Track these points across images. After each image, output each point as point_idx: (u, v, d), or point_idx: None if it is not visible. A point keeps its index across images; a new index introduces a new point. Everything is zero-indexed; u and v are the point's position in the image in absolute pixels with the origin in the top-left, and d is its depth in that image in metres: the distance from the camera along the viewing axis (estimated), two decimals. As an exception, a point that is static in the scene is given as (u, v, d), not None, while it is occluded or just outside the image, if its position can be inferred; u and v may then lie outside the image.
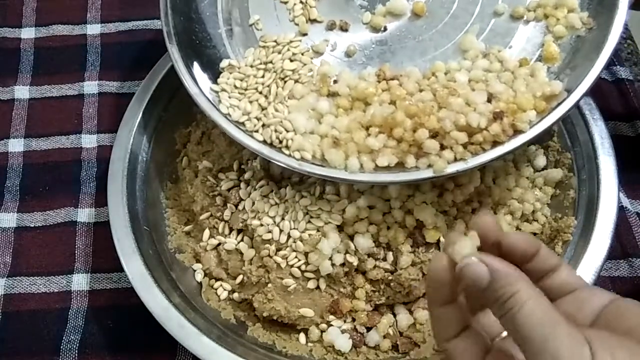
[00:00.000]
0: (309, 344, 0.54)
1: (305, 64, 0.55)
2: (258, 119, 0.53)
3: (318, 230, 0.53)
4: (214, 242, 0.57)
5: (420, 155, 0.49)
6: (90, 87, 0.71)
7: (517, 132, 0.49)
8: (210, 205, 0.58)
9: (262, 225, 0.54)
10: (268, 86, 0.54)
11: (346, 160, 0.50)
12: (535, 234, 0.57)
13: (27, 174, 0.66)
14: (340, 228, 0.54)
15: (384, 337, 0.54)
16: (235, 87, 0.55)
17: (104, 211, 0.63)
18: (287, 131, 0.52)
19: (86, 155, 0.66)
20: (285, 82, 0.54)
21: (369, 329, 0.55)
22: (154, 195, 0.60)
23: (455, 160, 0.49)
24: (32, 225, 0.63)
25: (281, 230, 0.54)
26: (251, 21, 0.58)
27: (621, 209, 0.60)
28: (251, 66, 0.56)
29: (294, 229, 0.54)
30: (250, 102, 0.54)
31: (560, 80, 0.50)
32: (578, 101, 0.49)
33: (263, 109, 0.54)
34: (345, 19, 0.57)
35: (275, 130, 0.52)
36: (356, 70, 0.55)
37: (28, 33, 0.75)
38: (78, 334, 0.57)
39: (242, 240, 0.56)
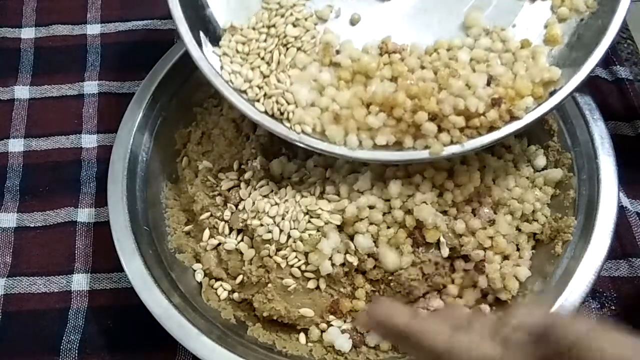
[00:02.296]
0: (309, 344, 0.54)
1: (308, 30, 0.55)
2: (260, 88, 0.53)
3: (318, 230, 0.53)
4: (214, 242, 0.57)
5: (418, 136, 0.51)
6: (90, 87, 0.71)
7: (513, 118, 0.50)
8: (210, 205, 0.58)
9: (262, 225, 0.54)
10: (270, 52, 0.54)
11: (346, 137, 0.51)
12: (535, 234, 0.57)
13: (27, 174, 0.66)
14: (340, 228, 0.54)
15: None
16: (237, 51, 0.55)
17: (104, 211, 0.63)
18: (289, 103, 0.52)
19: (86, 155, 0.66)
20: (287, 48, 0.54)
21: (369, 329, 0.55)
22: (154, 195, 0.60)
23: (452, 143, 0.51)
24: (32, 225, 0.63)
25: (281, 230, 0.54)
26: None
27: (621, 209, 0.60)
28: (253, 29, 0.55)
29: (294, 229, 0.54)
30: (252, 68, 0.54)
31: (559, 66, 0.51)
32: (574, 90, 0.50)
33: (265, 76, 0.54)
34: None
35: (277, 102, 0.53)
36: (359, 40, 0.54)
37: (28, 33, 0.75)
38: (78, 334, 0.57)
39: (242, 240, 0.56)
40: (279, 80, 0.53)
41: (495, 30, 0.54)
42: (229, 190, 0.58)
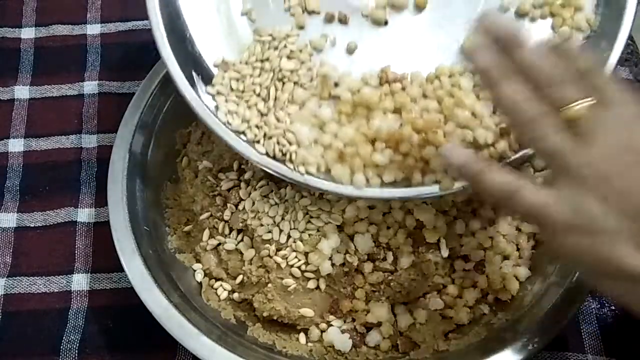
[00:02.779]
0: (309, 344, 0.54)
1: (303, 62, 0.53)
2: (259, 128, 0.51)
3: (318, 230, 0.53)
4: (214, 242, 0.57)
5: (426, 171, 0.49)
6: (90, 87, 0.71)
7: (522, 146, 0.49)
8: (210, 205, 0.58)
9: (262, 225, 0.54)
10: (267, 88, 0.52)
11: (352, 176, 0.50)
12: (535, 234, 0.57)
13: (27, 174, 0.66)
14: (340, 228, 0.54)
15: (384, 337, 0.54)
16: (232, 89, 0.52)
17: (104, 211, 0.63)
18: (291, 144, 0.51)
19: (86, 155, 0.66)
20: (284, 83, 0.52)
21: (369, 329, 0.55)
22: (154, 195, 0.60)
23: None
24: (32, 225, 0.63)
25: (281, 230, 0.54)
26: (244, 10, 0.55)
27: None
28: (246, 63, 0.53)
29: (294, 229, 0.54)
30: (249, 107, 0.52)
31: None
32: None
33: (263, 114, 0.52)
34: (343, 10, 0.54)
35: (278, 142, 0.51)
36: (357, 69, 0.53)
37: (28, 33, 0.75)
38: (78, 334, 0.57)
39: (242, 240, 0.56)
40: (278, 119, 0.51)
41: None
42: (228, 190, 0.58)
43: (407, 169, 0.49)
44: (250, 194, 0.56)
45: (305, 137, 0.51)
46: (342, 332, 0.54)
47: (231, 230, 0.57)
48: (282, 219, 0.54)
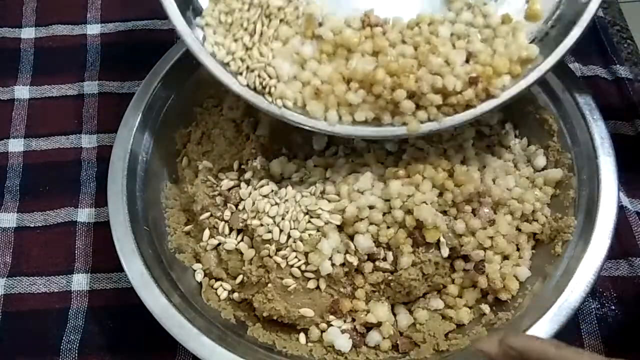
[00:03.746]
0: (309, 344, 0.54)
1: (291, 1, 0.54)
2: (242, 60, 0.53)
3: (318, 230, 0.53)
4: (214, 242, 0.57)
5: (396, 113, 0.52)
6: (90, 87, 0.71)
7: (489, 96, 0.52)
8: (210, 205, 0.58)
9: (262, 225, 0.54)
10: (254, 23, 0.54)
11: (326, 112, 0.52)
12: (535, 234, 0.57)
13: (27, 174, 0.66)
14: (340, 228, 0.54)
15: (384, 337, 0.54)
16: (220, 21, 0.54)
17: (104, 211, 0.63)
18: (271, 77, 0.53)
19: (86, 155, 0.66)
20: (270, 20, 0.54)
21: (369, 329, 0.55)
22: (154, 195, 0.60)
23: (429, 120, 0.52)
24: (32, 225, 0.63)
25: (281, 230, 0.54)
26: None
27: (621, 209, 0.60)
28: None
29: (294, 229, 0.54)
30: (235, 40, 0.54)
31: (537, 43, 0.53)
32: (551, 69, 0.52)
33: (248, 48, 0.53)
34: None
35: (259, 76, 0.53)
36: (342, 11, 0.55)
37: (28, 33, 0.75)
38: (78, 334, 0.57)
39: (242, 240, 0.56)
40: (261, 54, 0.53)
41: (477, 4, 0.54)
42: (229, 190, 0.58)
43: (377, 110, 0.52)
44: (250, 194, 0.56)
45: (285, 72, 0.53)
46: (342, 332, 0.54)
47: (231, 230, 0.57)
48: (282, 219, 0.54)
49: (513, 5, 0.54)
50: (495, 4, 0.54)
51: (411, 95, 0.51)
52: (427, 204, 0.53)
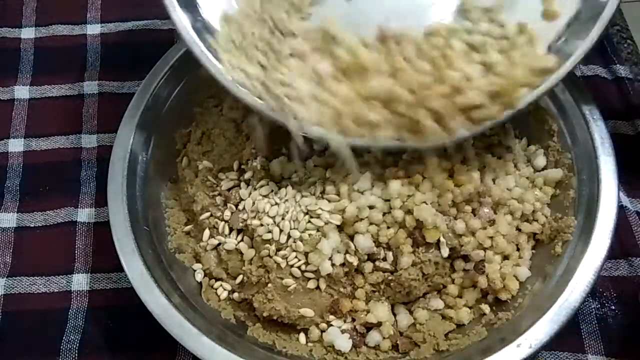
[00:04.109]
0: (309, 344, 0.54)
1: (304, 19, 0.54)
2: (260, 82, 0.53)
3: (318, 230, 0.53)
4: (214, 242, 0.57)
5: (417, 130, 0.51)
6: (90, 87, 0.71)
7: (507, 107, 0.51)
8: (210, 205, 0.58)
9: (262, 225, 0.54)
10: (267, 41, 0.53)
11: (347, 130, 0.51)
12: (535, 234, 0.57)
13: (27, 174, 0.66)
14: (340, 228, 0.54)
15: (384, 337, 0.54)
16: (234, 44, 0.54)
17: (104, 211, 0.63)
18: (290, 99, 0.52)
19: (86, 155, 0.66)
20: (284, 35, 0.53)
21: (369, 329, 0.55)
22: (154, 195, 0.60)
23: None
24: (32, 225, 0.63)
25: (281, 230, 0.54)
26: None
27: (621, 208, 0.60)
28: (247, 15, 0.54)
29: (294, 229, 0.54)
30: (251, 60, 0.53)
31: (553, 48, 0.52)
32: (567, 72, 0.52)
33: (263, 66, 0.53)
34: None
35: (278, 98, 0.52)
36: (355, 18, 0.54)
37: (28, 33, 0.75)
38: (78, 334, 0.57)
39: (242, 240, 0.56)
40: (277, 72, 0.53)
41: (494, 12, 0.54)
42: (229, 190, 0.58)
43: (399, 129, 0.51)
44: (250, 194, 0.56)
45: (305, 93, 0.52)
46: (342, 332, 0.54)
47: (231, 230, 0.57)
48: (282, 219, 0.54)
49: (527, 7, 0.54)
50: (512, 7, 0.54)
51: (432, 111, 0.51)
52: (427, 204, 0.53)
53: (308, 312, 0.54)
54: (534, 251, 0.57)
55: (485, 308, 0.55)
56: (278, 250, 0.54)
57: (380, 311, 0.54)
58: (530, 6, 0.54)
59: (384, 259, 0.54)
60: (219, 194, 0.58)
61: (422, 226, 0.53)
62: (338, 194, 0.55)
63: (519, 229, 0.56)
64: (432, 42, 0.53)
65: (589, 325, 0.57)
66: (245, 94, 0.53)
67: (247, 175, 0.57)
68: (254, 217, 0.55)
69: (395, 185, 0.53)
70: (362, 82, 0.52)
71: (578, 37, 0.52)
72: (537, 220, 0.57)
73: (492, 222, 0.55)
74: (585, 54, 0.51)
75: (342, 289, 0.54)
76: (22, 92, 0.71)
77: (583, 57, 0.51)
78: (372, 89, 0.51)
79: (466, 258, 0.55)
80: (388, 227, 0.54)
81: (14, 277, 0.60)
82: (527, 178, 0.58)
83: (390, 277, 0.54)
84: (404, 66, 0.52)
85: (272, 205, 0.55)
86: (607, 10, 0.51)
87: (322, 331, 0.54)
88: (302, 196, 0.55)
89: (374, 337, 0.54)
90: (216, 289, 0.57)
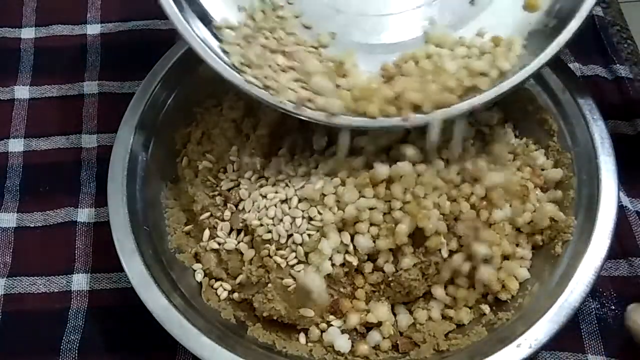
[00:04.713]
0: (309, 344, 0.54)
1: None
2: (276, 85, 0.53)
3: (318, 231, 0.53)
4: (214, 242, 0.57)
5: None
6: (90, 87, 0.71)
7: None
8: (210, 205, 0.58)
9: (262, 225, 0.54)
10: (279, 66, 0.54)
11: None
12: (535, 233, 0.57)
13: (27, 174, 0.66)
14: (340, 228, 0.54)
15: (384, 337, 0.54)
16: (250, 63, 0.54)
17: (104, 211, 0.63)
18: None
19: (86, 155, 0.66)
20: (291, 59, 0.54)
21: (369, 329, 0.55)
22: (154, 195, 0.60)
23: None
24: (32, 225, 0.63)
25: (281, 230, 0.54)
26: None
27: (621, 208, 0.60)
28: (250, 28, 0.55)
29: (294, 229, 0.54)
30: (262, 67, 0.53)
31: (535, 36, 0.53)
32: (548, 62, 0.52)
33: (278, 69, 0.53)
34: None
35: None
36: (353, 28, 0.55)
37: (28, 33, 0.75)
38: (78, 334, 0.57)
39: (242, 240, 0.56)
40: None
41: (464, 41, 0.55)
42: (229, 190, 0.58)
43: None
44: (250, 194, 0.56)
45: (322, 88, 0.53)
46: (342, 332, 0.54)
47: (231, 230, 0.57)
48: (282, 219, 0.54)
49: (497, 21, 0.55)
50: (482, 22, 0.55)
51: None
52: (427, 207, 0.53)
53: (308, 312, 0.54)
54: (534, 251, 0.56)
55: (485, 308, 0.55)
56: (278, 250, 0.54)
57: (380, 311, 0.54)
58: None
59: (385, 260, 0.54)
60: (219, 194, 0.58)
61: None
62: (338, 194, 0.54)
63: (519, 229, 0.56)
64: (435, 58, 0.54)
65: (589, 325, 0.57)
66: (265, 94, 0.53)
67: (247, 175, 0.57)
68: (254, 217, 0.55)
69: (394, 187, 0.53)
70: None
71: (559, 27, 0.52)
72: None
73: (492, 223, 0.55)
74: (567, 40, 0.51)
75: (342, 289, 0.54)
76: (22, 92, 0.71)
77: (564, 46, 0.52)
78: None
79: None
80: (388, 229, 0.53)
81: (14, 277, 0.60)
82: (528, 179, 0.58)
83: (390, 277, 0.53)
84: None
85: (272, 205, 0.55)
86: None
87: (322, 331, 0.54)
88: (302, 196, 0.55)
89: (374, 337, 0.54)
90: (216, 289, 0.57)
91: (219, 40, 0.54)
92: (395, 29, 0.56)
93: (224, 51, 0.54)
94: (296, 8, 0.56)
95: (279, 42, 0.54)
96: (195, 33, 0.53)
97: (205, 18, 0.55)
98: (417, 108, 0.52)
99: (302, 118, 0.53)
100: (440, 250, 0.53)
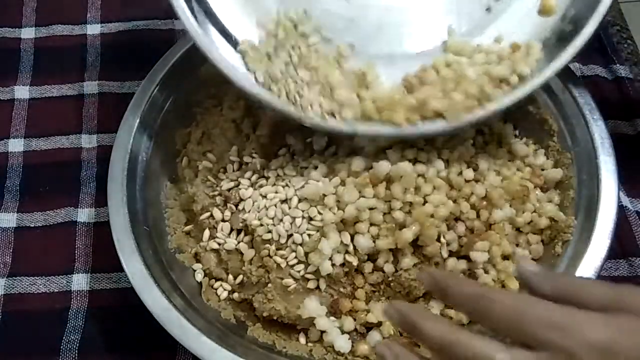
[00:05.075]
0: (309, 344, 0.54)
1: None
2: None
3: (318, 231, 0.53)
4: (214, 242, 0.57)
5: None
6: (90, 87, 0.71)
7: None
8: (210, 205, 0.58)
9: (262, 225, 0.54)
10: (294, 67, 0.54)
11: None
12: (535, 233, 0.57)
13: (27, 174, 0.66)
14: (340, 228, 0.54)
15: (384, 337, 0.54)
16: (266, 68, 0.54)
17: (104, 211, 0.63)
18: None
19: (86, 155, 0.66)
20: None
21: (369, 329, 0.55)
22: (154, 195, 0.60)
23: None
24: (32, 225, 0.63)
25: (281, 230, 0.54)
26: None
27: (621, 208, 0.60)
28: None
29: (294, 229, 0.54)
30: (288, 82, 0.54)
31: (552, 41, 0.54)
32: (562, 67, 0.53)
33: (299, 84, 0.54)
34: None
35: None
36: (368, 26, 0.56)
37: (28, 33, 0.75)
38: (78, 334, 0.57)
39: (242, 240, 0.56)
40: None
41: (483, 47, 0.55)
42: (229, 190, 0.58)
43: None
44: (250, 194, 0.56)
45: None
46: (342, 332, 0.54)
47: (231, 230, 0.57)
48: (282, 219, 0.54)
49: (524, 3, 0.55)
50: (498, 34, 0.55)
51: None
52: (428, 208, 0.53)
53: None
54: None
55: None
56: (278, 250, 0.54)
57: (380, 311, 0.54)
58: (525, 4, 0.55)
59: (385, 260, 0.54)
60: (219, 194, 0.58)
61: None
62: (337, 194, 0.54)
63: (519, 229, 0.56)
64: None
65: (589, 325, 0.57)
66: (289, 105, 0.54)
67: (247, 175, 0.57)
68: (254, 217, 0.55)
69: (394, 187, 0.53)
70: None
71: (573, 32, 0.53)
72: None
73: (492, 223, 0.55)
74: (582, 46, 0.52)
75: (342, 289, 0.54)
76: (22, 92, 0.71)
77: (579, 51, 0.52)
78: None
79: (467, 258, 0.55)
80: (388, 229, 0.53)
81: (14, 277, 0.60)
82: (528, 179, 0.58)
83: (390, 277, 0.53)
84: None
85: (272, 205, 0.55)
86: (602, 5, 0.52)
87: (322, 331, 0.54)
88: (302, 196, 0.55)
89: (374, 337, 0.54)
90: (216, 289, 0.57)
91: (243, 58, 0.55)
92: (414, 39, 0.56)
93: (248, 69, 0.54)
94: (314, 22, 0.56)
95: (302, 58, 0.55)
96: (221, 53, 0.54)
97: (228, 37, 0.55)
98: (439, 116, 0.53)
99: (329, 131, 0.54)
100: (440, 250, 0.53)
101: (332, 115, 0.53)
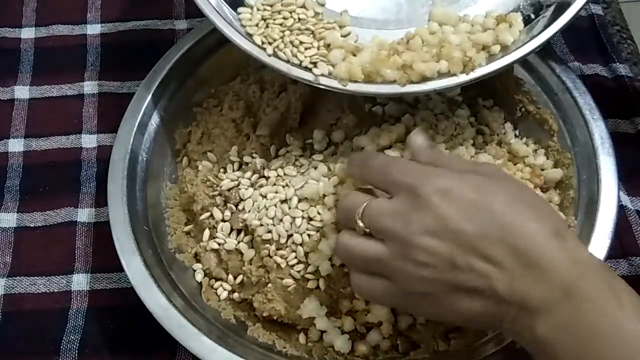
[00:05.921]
0: (309, 344, 0.54)
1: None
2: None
3: (318, 231, 0.53)
4: (214, 242, 0.57)
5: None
6: (90, 87, 0.71)
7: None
8: (210, 205, 0.58)
9: (262, 225, 0.54)
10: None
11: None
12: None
13: (27, 174, 0.66)
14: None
15: (384, 337, 0.54)
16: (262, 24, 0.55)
17: (104, 211, 0.63)
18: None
19: (86, 155, 0.66)
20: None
21: (369, 329, 0.55)
22: (154, 195, 0.60)
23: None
24: (32, 225, 0.63)
25: (281, 230, 0.54)
26: None
27: (621, 208, 0.60)
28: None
29: (294, 229, 0.54)
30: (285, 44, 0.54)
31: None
32: (541, 45, 0.52)
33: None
34: None
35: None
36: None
37: (28, 33, 0.75)
38: (78, 334, 0.57)
39: (242, 240, 0.56)
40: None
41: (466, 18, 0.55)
42: (229, 190, 0.58)
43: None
44: (250, 194, 0.56)
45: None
46: (342, 332, 0.54)
47: (231, 230, 0.57)
48: (282, 219, 0.54)
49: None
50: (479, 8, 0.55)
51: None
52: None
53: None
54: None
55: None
56: (278, 250, 0.54)
57: (380, 311, 0.54)
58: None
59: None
60: (219, 194, 0.58)
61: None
62: (337, 194, 0.54)
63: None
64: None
65: (589, 325, 0.57)
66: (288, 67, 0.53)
67: (247, 175, 0.57)
68: (254, 217, 0.55)
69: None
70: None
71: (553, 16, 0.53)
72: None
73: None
74: (562, 27, 0.52)
75: (342, 289, 0.54)
76: (22, 92, 0.71)
77: (558, 32, 0.52)
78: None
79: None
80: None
81: (14, 277, 0.60)
82: (528, 179, 0.58)
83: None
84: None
85: (272, 206, 0.55)
86: None
87: (322, 331, 0.54)
88: (302, 196, 0.55)
89: (373, 337, 0.54)
90: (216, 289, 0.57)
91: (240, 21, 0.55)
92: (399, 9, 0.57)
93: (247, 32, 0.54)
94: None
95: (301, 22, 0.55)
96: (220, 14, 0.54)
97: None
98: (425, 80, 0.52)
99: (322, 87, 0.53)
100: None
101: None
